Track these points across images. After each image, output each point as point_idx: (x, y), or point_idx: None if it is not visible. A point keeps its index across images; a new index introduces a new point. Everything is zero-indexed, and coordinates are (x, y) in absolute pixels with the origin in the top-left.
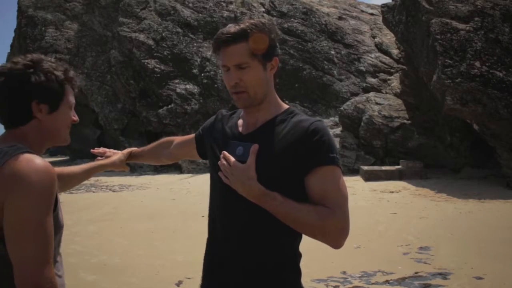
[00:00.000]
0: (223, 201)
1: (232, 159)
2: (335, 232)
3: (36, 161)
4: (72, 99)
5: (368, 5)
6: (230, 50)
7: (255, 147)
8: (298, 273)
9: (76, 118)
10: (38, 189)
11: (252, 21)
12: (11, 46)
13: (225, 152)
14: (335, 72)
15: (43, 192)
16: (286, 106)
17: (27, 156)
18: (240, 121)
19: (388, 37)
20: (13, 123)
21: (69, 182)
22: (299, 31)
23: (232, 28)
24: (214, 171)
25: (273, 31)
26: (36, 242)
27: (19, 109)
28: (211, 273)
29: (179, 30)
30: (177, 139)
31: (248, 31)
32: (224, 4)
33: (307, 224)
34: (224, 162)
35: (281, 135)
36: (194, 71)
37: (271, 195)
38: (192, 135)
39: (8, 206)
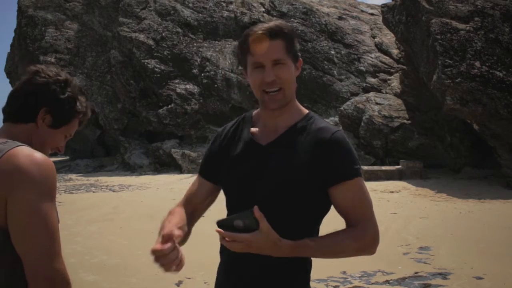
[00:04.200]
0: (239, 202)
1: (241, 236)
2: (370, 246)
3: (36, 155)
4: (72, 131)
5: (368, 5)
6: (267, 46)
7: (258, 212)
8: (309, 272)
9: (62, 149)
10: (42, 182)
11: (280, 21)
12: (11, 46)
13: (228, 233)
14: (335, 72)
15: (47, 185)
16: (306, 111)
17: (25, 149)
18: (256, 130)
19: (388, 37)
20: (16, 117)
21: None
22: (299, 31)
23: (266, 25)
24: (229, 177)
25: (295, 33)
26: (45, 234)
27: (29, 107)
28: (231, 265)
29: (179, 30)
30: (186, 197)
31: (285, 30)
32: (224, 4)
33: (347, 252)
34: (235, 243)
35: (303, 144)
36: (194, 71)
37: (302, 245)
38: (196, 182)
39: (13, 201)
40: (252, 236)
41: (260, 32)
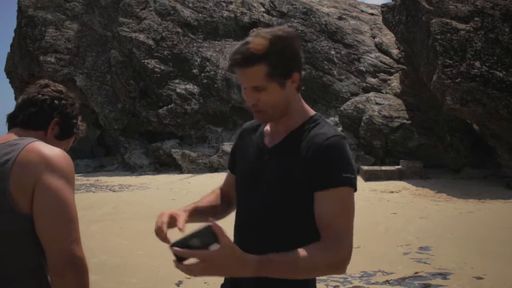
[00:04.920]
0: (241, 200)
1: (201, 252)
2: (342, 264)
3: (55, 148)
4: (69, 146)
5: (368, 5)
6: (245, 72)
7: (216, 227)
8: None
9: None
10: (68, 172)
11: (270, 36)
12: (11, 46)
13: (184, 251)
14: (335, 72)
15: (70, 175)
16: (311, 113)
17: (43, 143)
18: (267, 129)
19: (388, 37)
20: (28, 124)
21: None
22: (299, 31)
23: (247, 48)
24: (239, 173)
25: (291, 46)
26: (68, 222)
27: (43, 115)
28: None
29: (179, 30)
30: (223, 186)
31: (271, 49)
32: (224, 4)
33: (318, 268)
34: (193, 265)
35: (300, 149)
36: (194, 71)
37: (267, 260)
38: (228, 172)
39: (41, 187)
40: (214, 252)
41: (238, 59)
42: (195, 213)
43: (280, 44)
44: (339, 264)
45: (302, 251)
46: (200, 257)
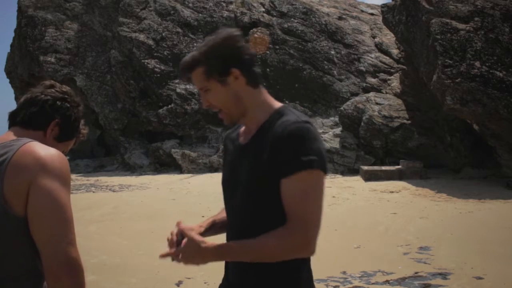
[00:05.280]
0: (225, 199)
1: (178, 249)
2: (301, 246)
3: (51, 149)
4: (68, 148)
5: (368, 5)
6: (191, 77)
7: (180, 226)
8: (300, 282)
9: None
10: (62, 173)
11: (210, 42)
12: (11, 46)
13: (169, 251)
14: (335, 72)
15: (66, 176)
16: (276, 106)
17: (40, 144)
18: (242, 130)
19: (388, 37)
20: (28, 123)
21: None
22: (299, 31)
23: (189, 56)
24: (223, 173)
25: (226, 44)
26: (63, 223)
27: (44, 115)
28: (226, 264)
29: (179, 30)
30: None
31: (202, 55)
32: (224, 4)
33: (274, 253)
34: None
35: (266, 141)
36: None
37: (225, 247)
38: None
39: (36, 189)
40: (182, 247)
41: (181, 69)
42: (213, 228)
43: (214, 45)
44: (301, 246)
45: (261, 237)
46: (177, 253)
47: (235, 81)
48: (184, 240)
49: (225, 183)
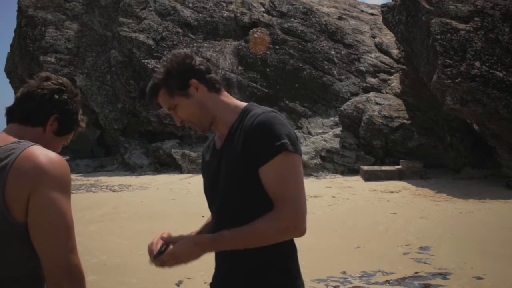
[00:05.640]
0: (210, 207)
1: (167, 252)
2: (292, 225)
3: (52, 154)
4: (68, 140)
5: (368, 5)
6: (158, 101)
7: (164, 237)
8: (288, 273)
9: None
10: (62, 180)
11: (162, 67)
12: (11, 46)
13: (158, 258)
14: (335, 72)
15: (65, 183)
16: (242, 106)
17: (40, 148)
18: (216, 136)
19: (388, 37)
20: (27, 119)
21: None
22: (299, 31)
23: (150, 84)
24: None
25: (177, 63)
26: (64, 231)
27: (42, 111)
28: (216, 266)
29: (179, 30)
30: None
31: (161, 79)
32: (224, 4)
33: (267, 236)
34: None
35: (239, 139)
36: None
37: (219, 236)
38: None
39: (36, 198)
40: (173, 248)
41: (147, 95)
42: (204, 230)
43: (167, 66)
44: (289, 227)
45: (250, 224)
46: (167, 255)
47: (196, 91)
48: (170, 246)
49: (207, 190)
